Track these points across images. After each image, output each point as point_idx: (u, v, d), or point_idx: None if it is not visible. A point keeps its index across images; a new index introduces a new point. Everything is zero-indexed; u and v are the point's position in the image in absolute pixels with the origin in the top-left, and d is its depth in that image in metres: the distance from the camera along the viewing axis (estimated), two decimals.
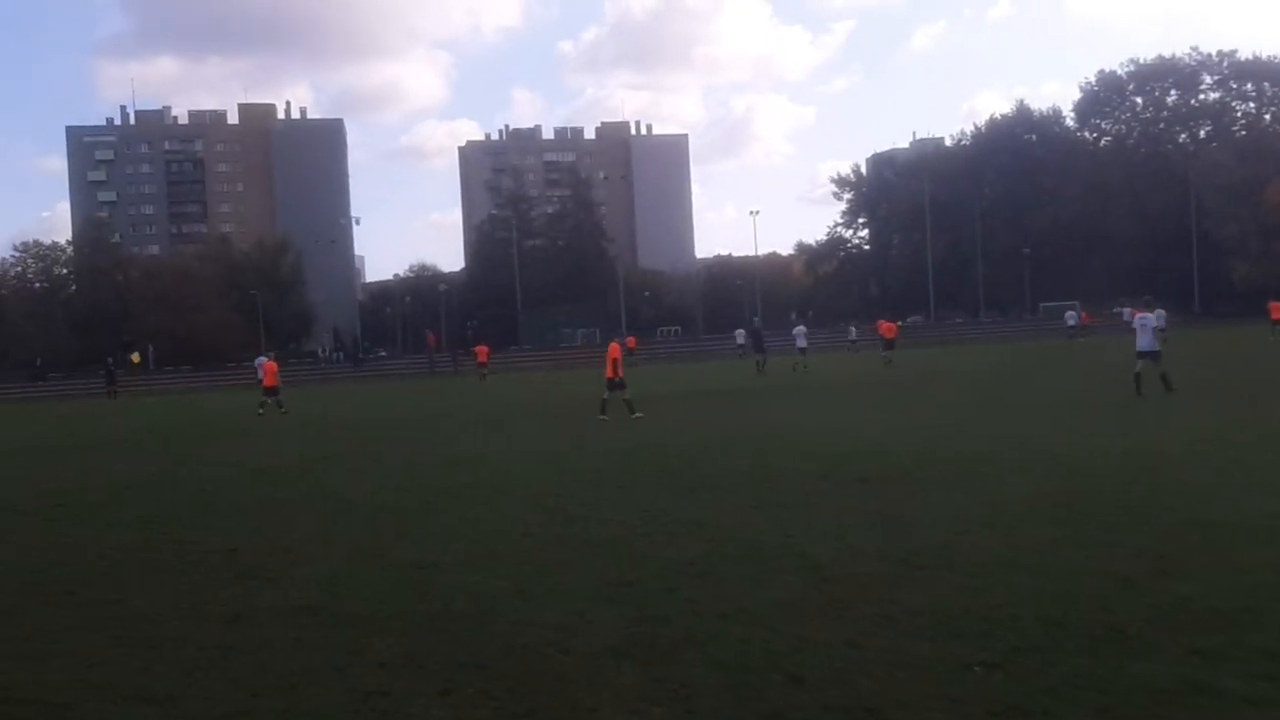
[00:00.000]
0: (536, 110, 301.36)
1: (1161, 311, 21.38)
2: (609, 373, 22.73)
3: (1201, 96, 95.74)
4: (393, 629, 6.63)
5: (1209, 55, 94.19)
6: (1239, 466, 11.26)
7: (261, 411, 32.12)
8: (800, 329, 46.12)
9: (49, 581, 8.71)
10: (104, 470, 18.04)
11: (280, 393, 33.39)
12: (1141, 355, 20.71)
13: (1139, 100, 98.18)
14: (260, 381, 36.80)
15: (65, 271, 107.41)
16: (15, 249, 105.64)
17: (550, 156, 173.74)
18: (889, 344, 44.50)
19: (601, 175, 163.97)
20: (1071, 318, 60.26)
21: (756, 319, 57.72)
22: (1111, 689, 4.94)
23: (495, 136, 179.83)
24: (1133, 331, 21.94)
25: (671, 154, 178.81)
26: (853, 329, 59.87)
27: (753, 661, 5.61)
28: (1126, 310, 61.56)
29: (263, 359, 37.77)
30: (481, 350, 57.94)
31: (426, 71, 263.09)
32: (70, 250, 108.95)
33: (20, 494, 14.92)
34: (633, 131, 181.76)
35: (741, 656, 5.71)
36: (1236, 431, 14.17)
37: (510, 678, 5.58)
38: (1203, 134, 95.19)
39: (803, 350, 43.05)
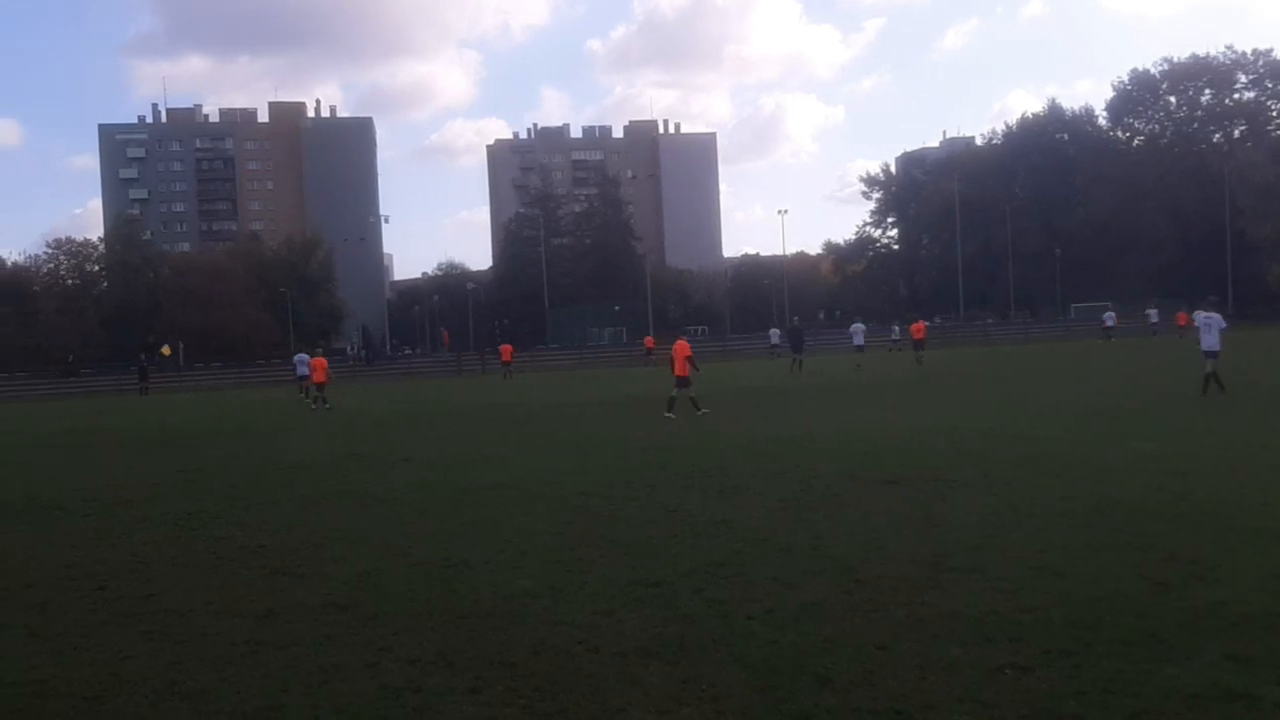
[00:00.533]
0: (565, 109, 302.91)
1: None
2: (678, 370, 22.46)
3: (1236, 96, 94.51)
4: (423, 626, 6.67)
5: (1244, 54, 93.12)
6: (1273, 472, 11.14)
7: (326, 407, 31.98)
8: (859, 327, 46.45)
9: (81, 576, 8.81)
10: (136, 466, 18.20)
11: (322, 389, 33.37)
12: (1210, 355, 20.57)
13: (1173, 99, 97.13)
14: (302, 379, 37.05)
15: (97, 268, 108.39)
16: (48, 245, 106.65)
17: (578, 155, 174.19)
18: (919, 344, 44.37)
19: (629, 174, 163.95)
20: (1110, 319, 59.90)
21: (796, 319, 57.78)
22: (1144, 693, 4.91)
23: (524, 135, 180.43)
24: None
25: (700, 153, 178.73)
26: (896, 328, 59.79)
27: (781, 662, 5.61)
28: (1153, 312, 61.31)
29: (306, 355, 37.80)
30: (506, 349, 58.07)
31: (455, 70, 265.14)
32: (102, 247, 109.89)
33: (54, 490, 15.07)
34: (661, 130, 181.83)
35: (770, 657, 5.71)
36: (1270, 436, 14.03)
37: (539, 676, 5.60)
38: (1237, 134, 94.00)
39: (860, 348, 43.27)
